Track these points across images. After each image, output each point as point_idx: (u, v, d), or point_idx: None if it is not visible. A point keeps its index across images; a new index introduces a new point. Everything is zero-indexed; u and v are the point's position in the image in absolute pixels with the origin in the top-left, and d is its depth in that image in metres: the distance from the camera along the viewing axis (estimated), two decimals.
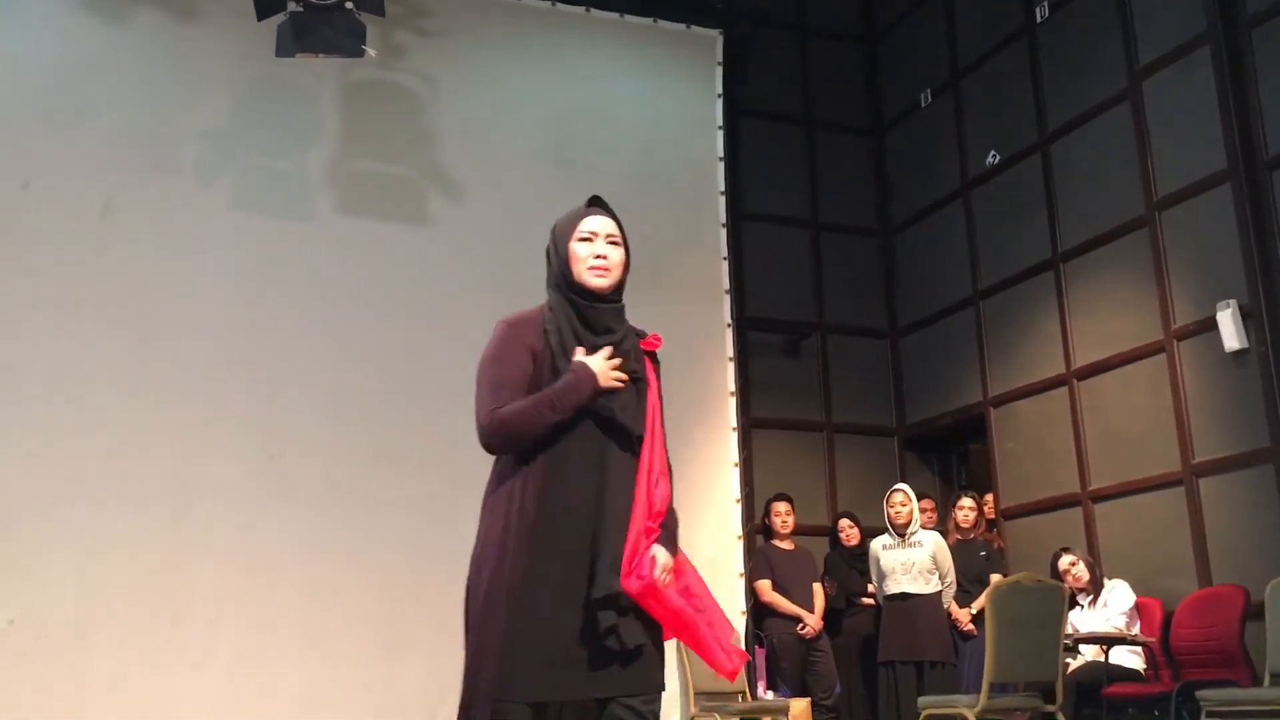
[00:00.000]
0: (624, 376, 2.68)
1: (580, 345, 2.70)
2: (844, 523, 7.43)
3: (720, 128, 7.73)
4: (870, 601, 7.08)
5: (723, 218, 7.57)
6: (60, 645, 5.40)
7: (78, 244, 5.87)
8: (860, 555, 7.20)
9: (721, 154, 7.69)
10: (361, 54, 5.91)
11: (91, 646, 5.42)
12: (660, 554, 2.60)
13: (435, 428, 6.12)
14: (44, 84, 5.97)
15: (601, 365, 2.66)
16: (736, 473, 7.20)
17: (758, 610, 7.00)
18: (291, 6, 5.80)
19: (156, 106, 6.17)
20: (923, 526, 6.79)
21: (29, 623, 5.31)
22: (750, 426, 7.69)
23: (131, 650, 5.48)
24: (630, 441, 2.70)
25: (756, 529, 7.38)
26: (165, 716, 5.49)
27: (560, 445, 2.64)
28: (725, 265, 7.51)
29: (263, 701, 5.61)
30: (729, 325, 7.41)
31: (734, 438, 7.25)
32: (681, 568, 2.72)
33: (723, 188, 7.62)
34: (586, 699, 2.56)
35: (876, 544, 6.73)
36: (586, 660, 2.53)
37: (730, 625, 2.68)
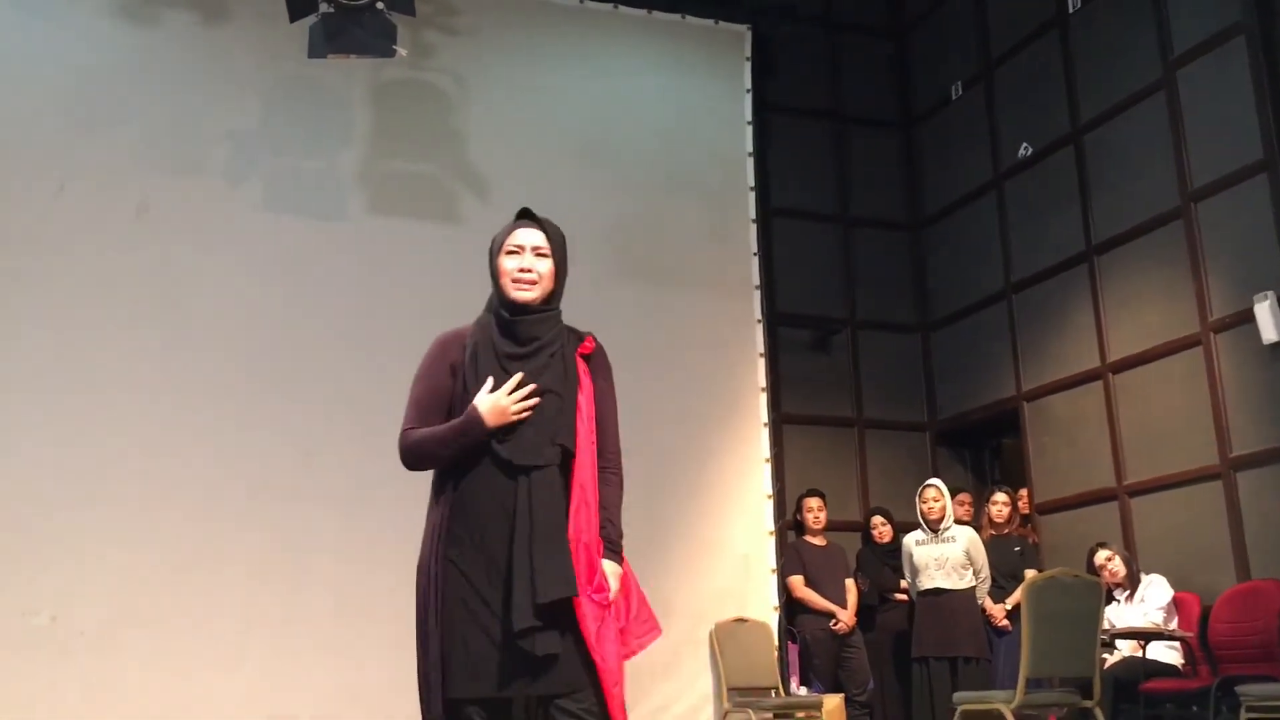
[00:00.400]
0: (530, 405, 2.65)
1: (495, 358, 2.70)
2: (876, 519, 7.40)
3: (749, 123, 7.72)
4: (903, 598, 7.04)
5: (752, 213, 7.57)
6: (97, 642, 5.46)
7: (112, 244, 5.93)
8: (893, 552, 7.17)
9: (750, 149, 7.68)
10: (392, 54, 5.94)
11: (127, 644, 5.48)
12: (610, 576, 2.68)
13: None
14: (78, 88, 6.03)
15: (500, 402, 2.63)
16: (768, 469, 7.19)
17: (790, 606, 6.99)
18: (323, 7, 5.84)
19: (188, 108, 6.22)
20: (959, 521, 6.75)
21: (68, 620, 5.37)
22: (781, 422, 7.68)
23: (165, 647, 5.54)
24: (556, 454, 2.69)
25: (788, 525, 7.37)
26: (198, 713, 5.54)
27: (479, 461, 2.66)
28: (755, 261, 7.50)
29: (293, 700, 5.65)
30: (759, 321, 7.39)
31: (765, 434, 7.24)
32: (624, 583, 2.77)
33: (752, 183, 7.62)
34: (515, 696, 2.60)
35: (909, 539, 6.70)
36: (507, 663, 2.56)
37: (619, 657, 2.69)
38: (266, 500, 5.84)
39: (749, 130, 7.71)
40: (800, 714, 6.49)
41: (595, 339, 2.88)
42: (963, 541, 6.50)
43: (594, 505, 2.71)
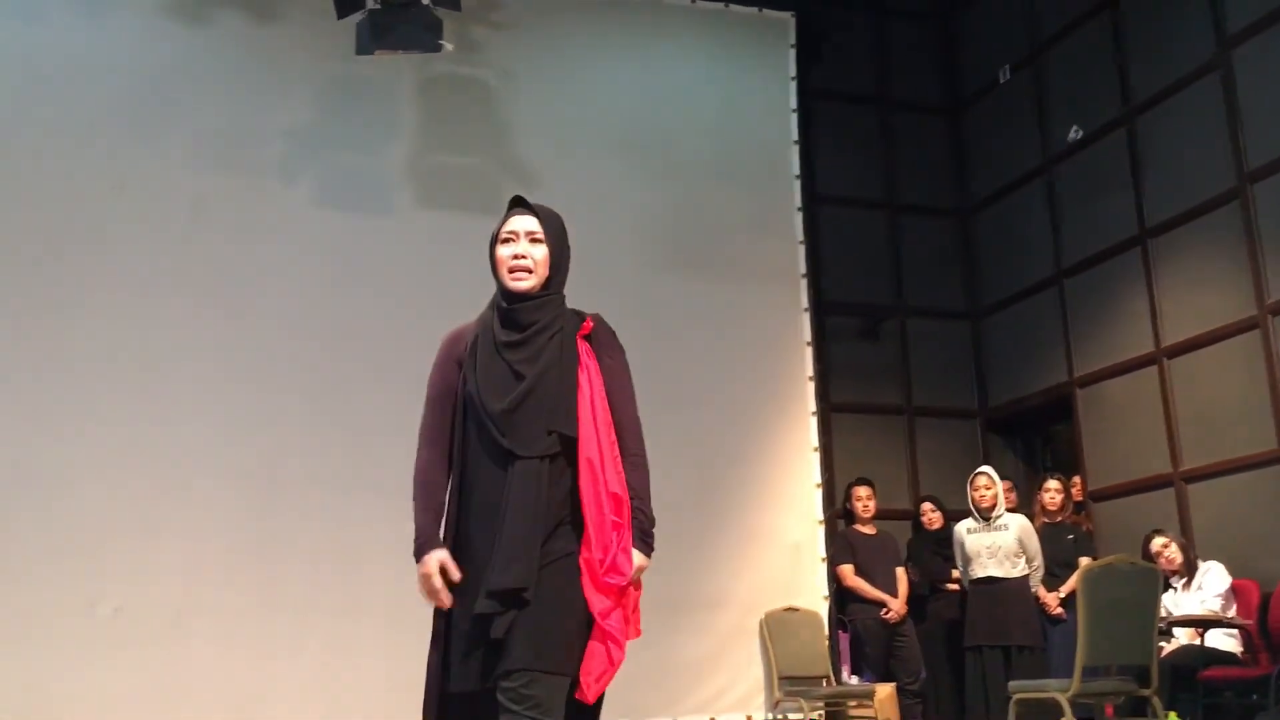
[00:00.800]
0: (432, 595, 2.63)
1: (494, 347, 2.69)
2: (926, 506, 7.36)
3: (794, 111, 7.69)
4: (954, 587, 7.00)
5: (798, 201, 7.54)
6: (161, 633, 5.56)
7: (169, 241, 6.03)
8: (943, 540, 7.12)
9: (796, 137, 7.65)
10: (439, 49, 5.98)
11: (190, 633, 5.58)
12: (636, 556, 2.63)
13: None
14: (135, 88, 6.13)
15: (426, 573, 2.62)
16: (816, 458, 7.17)
17: (841, 595, 6.97)
18: (370, 4, 5.88)
19: (240, 107, 6.31)
20: (1009, 509, 6.70)
21: (133, 611, 5.48)
22: (830, 411, 7.66)
23: (227, 637, 5.63)
24: (553, 442, 2.62)
25: (837, 514, 7.35)
26: (261, 701, 5.63)
27: (482, 451, 2.66)
28: (801, 249, 7.47)
29: (354, 687, 5.73)
30: (806, 310, 7.37)
31: (813, 423, 7.22)
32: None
33: (797, 171, 7.59)
34: (480, 688, 2.55)
35: (961, 528, 6.65)
36: (483, 652, 2.54)
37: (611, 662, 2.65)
38: (324, 491, 5.92)
39: (794, 118, 7.68)
40: (852, 703, 6.48)
41: (598, 318, 2.81)
42: (1015, 529, 6.45)
43: (612, 483, 2.63)
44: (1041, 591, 6.56)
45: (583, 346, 2.74)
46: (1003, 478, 7.19)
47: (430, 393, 2.79)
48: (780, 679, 6.53)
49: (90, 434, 5.62)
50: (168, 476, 5.70)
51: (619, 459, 2.69)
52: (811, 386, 7.25)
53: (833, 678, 6.67)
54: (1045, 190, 7.96)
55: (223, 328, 5.98)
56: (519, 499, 2.57)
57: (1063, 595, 6.54)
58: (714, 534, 6.68)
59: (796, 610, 6.77)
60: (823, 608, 6.86)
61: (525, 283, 2.71)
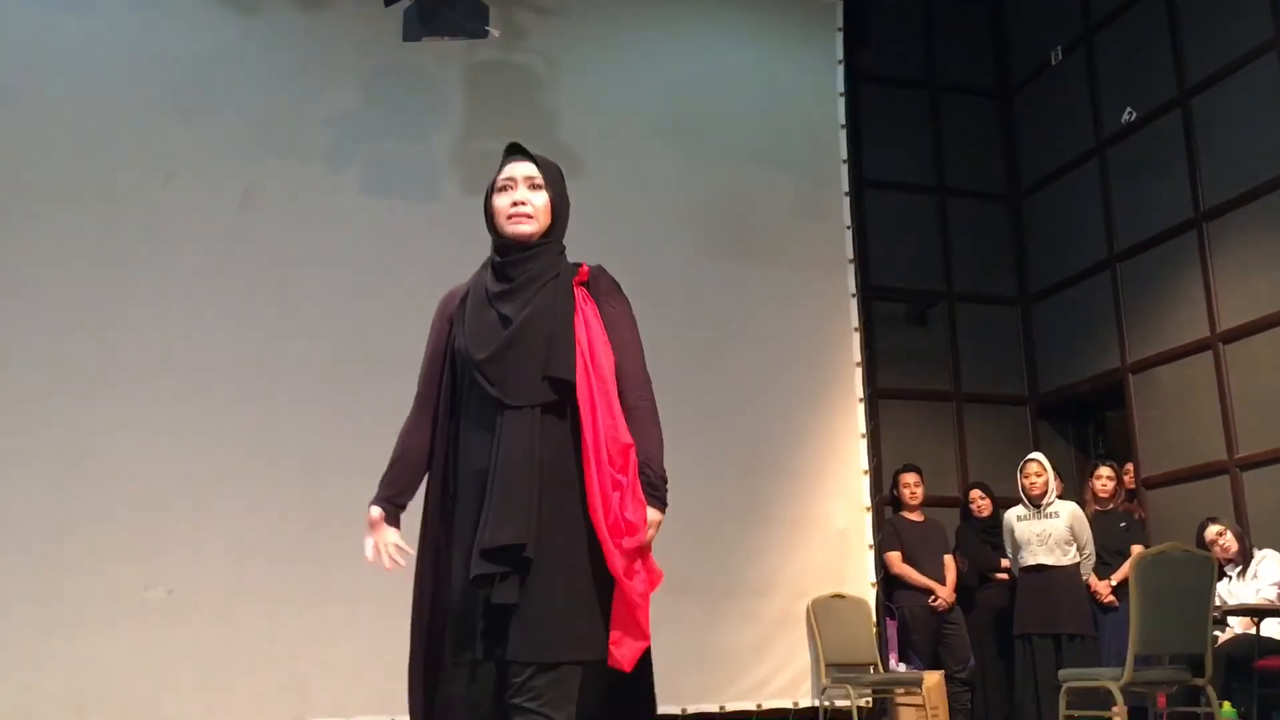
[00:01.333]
0: (385, 561, 2.66)
1: (486, 297, 2.57)
2: (975, 493, 7.30)
3: (841, 94, 7.62)
4: (1003, 577, 6.94)
5: (845, 186, 7.48)
6: (212, 616, 5.64)
7: (219, 230, 6.09)
8: (992, 527, 7.06)
9: (843, 121, 7.58)
10: (485, 35, 5.99)
11: (241, 617, 5.66)
12: (651, 525, 2.50)
13: None
14: (183, 78, 6.20)
15: (377, 542, 2.66)
16: (864, 444, 7.12)
17: (888, 582, 6.93)
18: None
19: (289, 95, 6.36)
20: (1058, 496, 6.62)
21: (184, 594, 5.56)
22: (877, 397, 7.60)
23: (277, 620, 5.70)
24: (546, 390, 2.47)
25: (885, 500, 7.31)
26: (311, 683, 5.70)
27: (473, 401, 2.55)
28: (848, 234, 7.42)
29: (403, 670, 5.78)
30: (853, 295, 7.32)
31: (861, 409, 7.17)
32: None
33: (845, 156, 7.53)
34: (483, 660, 2.43)
35: (1011, 515, 6.59)
36: (480, 620, 2.41)
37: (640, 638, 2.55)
38: (375, 477, 5.95)
39: (841, 102, 7.61)
40: (900, 690, 6.45)
41: (599, 267, 2.67)
42: (1065, 517, 6.37)
43: (616, 436, 2.48)
44: (1093, 580, 6.49)
45: (579, 293, 2.60)
46: (1053, 465, 7.11)
47: (426, 353, 2.73)
48: (827, 666, 6.50)
49: (144, 420, 5.70)
50: (219, 462, 5.77)
51: (621, 410, 2.53)
52: (859, 372, 7.20)
53: (880, 665, 6.64)
54: (1098, 173, 7.83)
55: (272, 314, 6.04)
56: (511, 451, 2.42)
57: (1114, 583, 6.46)
58: (761, 520, 6.66)
59: (843, 597, 6.74)
60: (870, 595, 6.82)
61: (526, 227, 2.58)
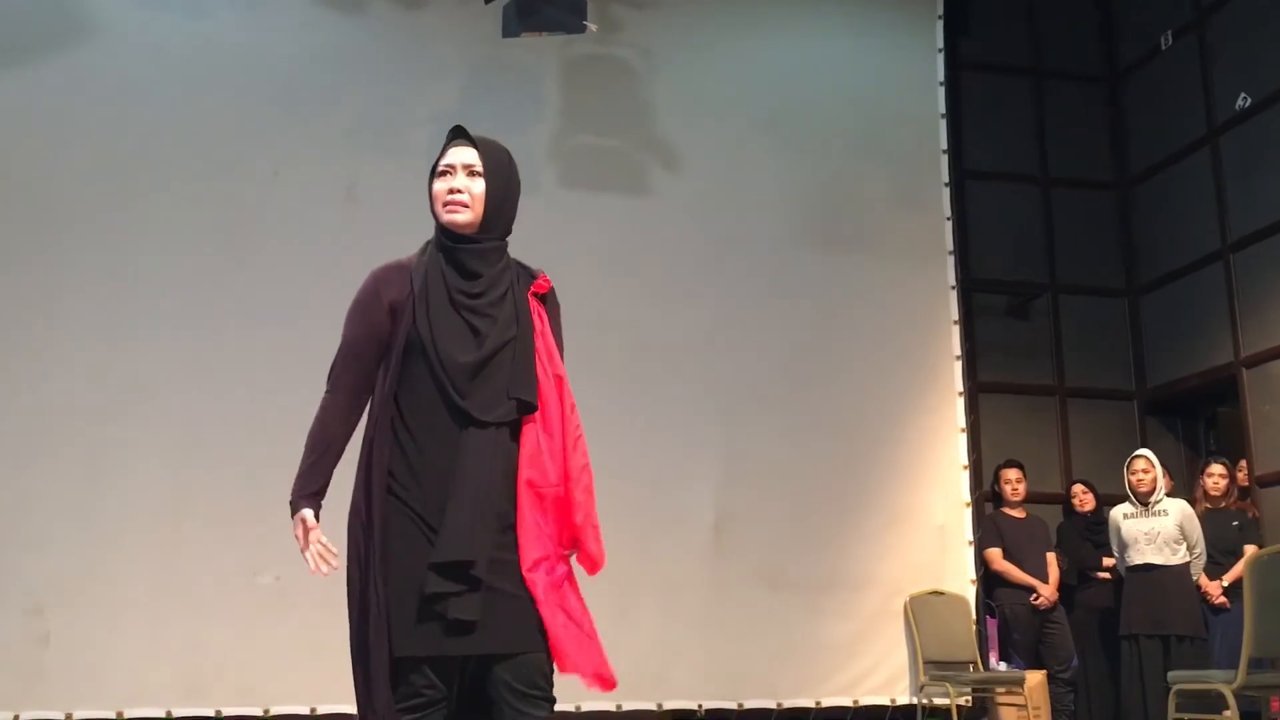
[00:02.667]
0: (315, 562, 2.46)
1: (449, 301, 2.48)
2: (1077, 488, 7.14)
3: (941, 84, 7.49)
4: (1105, 576, 6.78)
5: (945, 177, 7.36)
6: (319, 600, 5.76)
7: (323, 227, 6.22)
8: (1096, 524, 6.91)
9: (943, 111, 7.46)
10: (583, 29, 6.03)
11: (343, 603, 5.78)
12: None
13: (661, 392, 6.29)
14: (288, 76, 6.35)
15: (306, 537, 2.47)
16: (963, 438, 7.01)
17: (988, 579, 6.82)
18: None
19: (391, 92, 6.47)
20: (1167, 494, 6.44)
21: (291, 580, 5.71)
22: (977, 391, 7.48)
23: None
24: (511, 409, 2.47)
25: (985, 496, 7.19)
26: None
27: (433, 409, 2.47)
28: (948, 226, 7.29)
29: None
30: (953, 288, 7.20)
31: (960, 403, 7.06)
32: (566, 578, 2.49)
33: (945, 146, 7.40)
34: (451, 655, 2.39)
35: (1117, 513, 6.42)
36: (440, 620, 2.36)
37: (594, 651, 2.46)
38: None
39: (941, 91, 7.49)
40: (1000, 690, 6.34)
41: (547, 277, 2.63)
42: (1175, 515, 6.19)
43: (570, 455, 2.48)
44: (1203, 580, 6.30)
45: (535, 306, 2.58)
46: (1162, 461, 6.92)
47: (350, 334, 2.57)
48: (925, 663, 6.42)
49: (253, 410, 5.86)
50: None
51: (573, 439, 2.51)
52: (959, 366, 7.09)
53: (980, 663, 6.54)
54: (1210, 161, 7.58)
55: None
56: (474, 467, 2.40)
57: (1226, 584, 6.27)
58: (858, 514, 6.61)
59: (942, 594, 6.65)
60: (969, 592, 6.72)
61: (460, 215, 2.52)
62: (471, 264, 2.52)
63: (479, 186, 2.55)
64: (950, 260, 7.22)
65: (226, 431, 5.84)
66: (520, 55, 6.60)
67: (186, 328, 5.92)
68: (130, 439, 5.72)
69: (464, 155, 2.57)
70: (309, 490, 2.50)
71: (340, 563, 2.50)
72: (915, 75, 7.47)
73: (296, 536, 2.50)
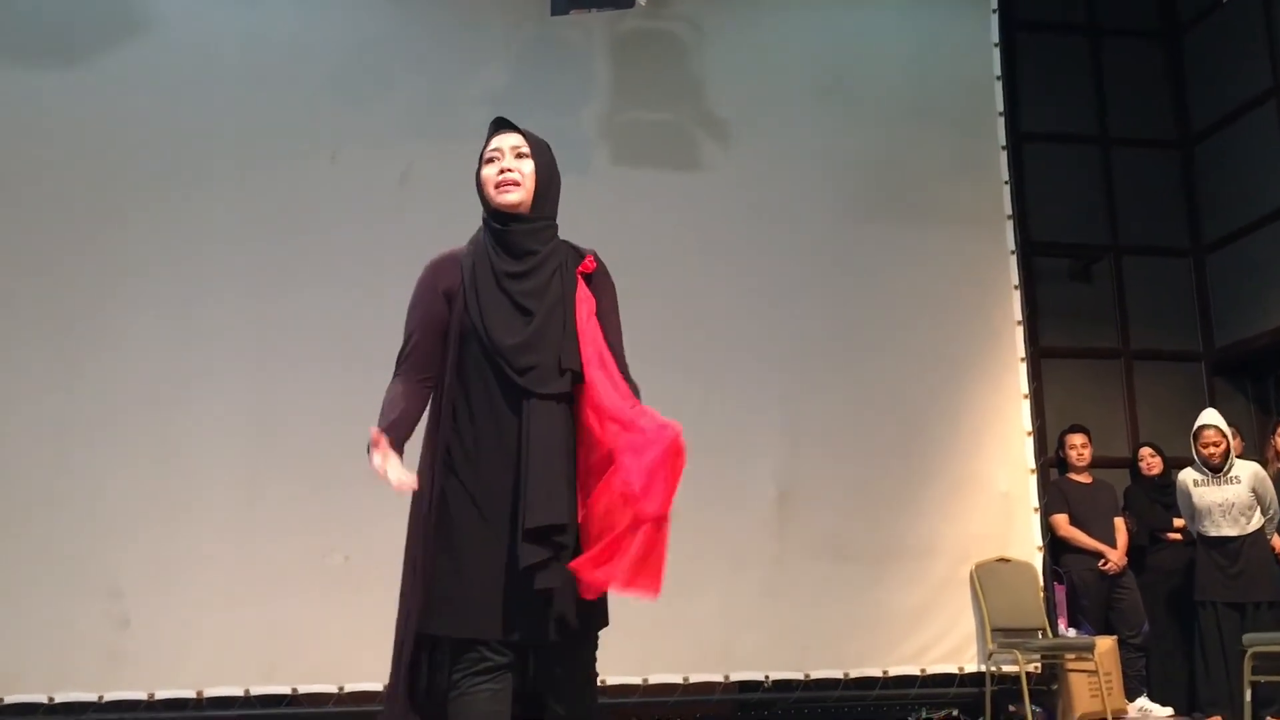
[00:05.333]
0: (399, 484, 2.50)
1: (494, 277, 2.58)
2: (1145, 451, 7.05)
3: (996, 45, 7.37)
4: (1177, 536, 6.68)
5: (1002, 140, 7.24)
6: (387, 580, 5.86)
7: (379, 210, 6.27)
8: (1164, 486, 6.81)
9: (998, 73, 7.33)
10: (631, 4, 6.02)
11: None
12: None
13: (721, 366, 6.31)
14: (343, 60, 6.41)
15: (385, 468, 2.51)
16: (1027, 404, 6.93)
17: (1055, 546, 6.76)
18: None
19: (443, 74, 6.50)
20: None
21: (360, 560, 5.81)
22: (1040, 356, 7.39)
23: None
24: (566, 381, 2.55)
25: (1050, 462, 7.11)
26: None
27: (486, 383, 2.56)
28: (1006, 190, 7.18)
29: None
30: (1013, 252, 7.10)
31: (1023, 369, 6.97)
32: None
33: (1001, 108, 7.27)
34: (509, 640, 2.46)
35: (1186, 478, 6.32)
36: (506, 600, 2.45)
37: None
38: None
39: (996, 53, 7.36)
40: (1070, 656, 6.29)
41: (597, 256, 2.72)
42: (1247, 479, 6.10)
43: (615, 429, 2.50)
44: (1276, 541, 6.19)
45: (581, 284, 2.66)
46: (1230, 423, 6.80)
47: (411, 324, 2.69)
48: (993, 631, 6.39)
49: (320, 394, 5.94)
50: None
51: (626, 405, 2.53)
52: (1020, 331, 7.00)
53: (1048, 630, 6.48)
54: (1276, 114, 7.41)
55: None
56: (543, 437, 2.48)
57: None
58: (921, 482, 6.57)
59: (1008, 561, 6.60)
60: (1036, 559, 6.66)
61: (513, 194, 2.62)
62: (524, 243, 2.61)
63: (528, 166, 2.65)
64: (1009, 225, 7.12)
65: (292, 414, 5.94)
66: (570, 33, 6.60)
67: (251, 313, 6.02)
68: (200, 423, 5.84)
69: (509, 140, 2.69)
70: (385, 429, 2.57)
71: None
72: (969, 38, 7.35)
73: (374, 467, 2.54)
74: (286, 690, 5.70)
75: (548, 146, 2.74)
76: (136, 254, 5.98)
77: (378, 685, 5.71)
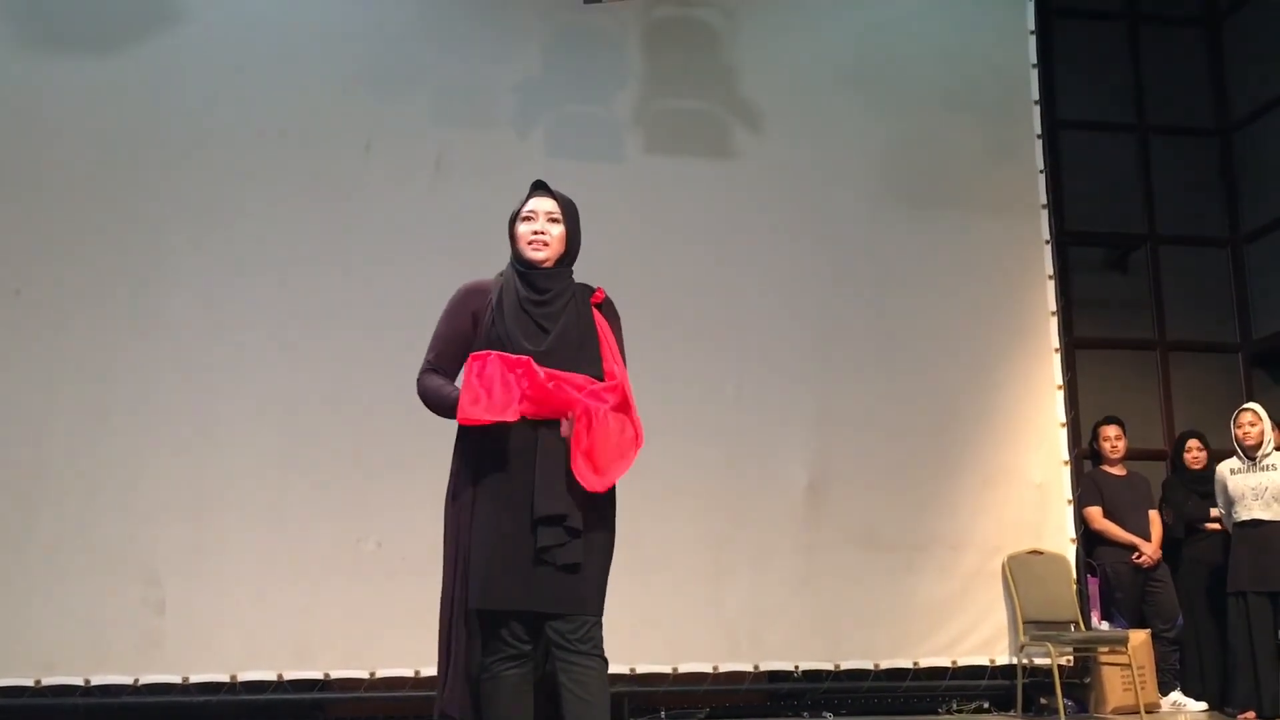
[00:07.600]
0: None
1: (518, 301, 3.04)
2: (1192, 443, 6.94)
3: (1031, 32, 7.29)
4: (1215, 526, 6.61)
5: (1037, 128, 7.17)
6: (419, 566, 5.89)
7: (413, 198, 6.30)
8: (1203, 478, 6.73)
9: (1034, 60, 7.26)
10: None
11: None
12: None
13: (752, 355, 6.30)
14: (376, 50, 6.41)
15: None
16: (1060, 395, 6.87)
17: (1089, 538, 6.71)
18: None
19: (475, 63, 6.50)
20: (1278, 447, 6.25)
21: (392, 546, 5.84)
22: (1074, 347, 7.32)
23: None
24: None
25: (1084, 454, 7.05)
26: None
27: None
28: (1041, 178, 7.11)
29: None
30: (1047, 242, 7.04)
31: (1057, 359, 6.91)
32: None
33: (1036, 96, 7.20)
34: (523, 610, 2.88)
35: (1224, 468, 6.26)
36: (523, 574, 2.86)
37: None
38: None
39: (1031, 40, 7.28)
40: (1103, 649, 6.25)
41: (603, 290, 3.17)
42: None
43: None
44: None
45: (595, 313, 3.12)
46: (1270, 415, 6.72)
47: (441, 329, 3.16)
48: (1025, 623, 6.35)
49: (352, 383, 5.98)
50: (420, 422, 6.00)
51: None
52: (1054, 321, 6.94)
53: (1081, 623, 6.44)
54: None
55: (464, 276, 6.21)
56: (553, 438, 2.92)
57: None
58: (952, 474, 6.53)
59: (1041, 553, 6.55)
60: (1069, 551, 6.61)
61: (542, 253, 3.09)
62: (544, 283, 3.09)
63: (557, 230, 3.13)
64: (1044, 214, 7.06)
65: (325, 402, 5.97)
66: (602, 21, 6.59)
67: (285, 301, 6.05)
68: (234, 411, 5.89)
69: (545, 204, 3.14)
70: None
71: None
72: (1005, 24, 7.28)
73: (564, 434, 2.99)
74: (319, 675, 5.75)
75: (575, 209, 3.18)
76: (172, 244, 6.03)
77: (409, 671, 5.77)
